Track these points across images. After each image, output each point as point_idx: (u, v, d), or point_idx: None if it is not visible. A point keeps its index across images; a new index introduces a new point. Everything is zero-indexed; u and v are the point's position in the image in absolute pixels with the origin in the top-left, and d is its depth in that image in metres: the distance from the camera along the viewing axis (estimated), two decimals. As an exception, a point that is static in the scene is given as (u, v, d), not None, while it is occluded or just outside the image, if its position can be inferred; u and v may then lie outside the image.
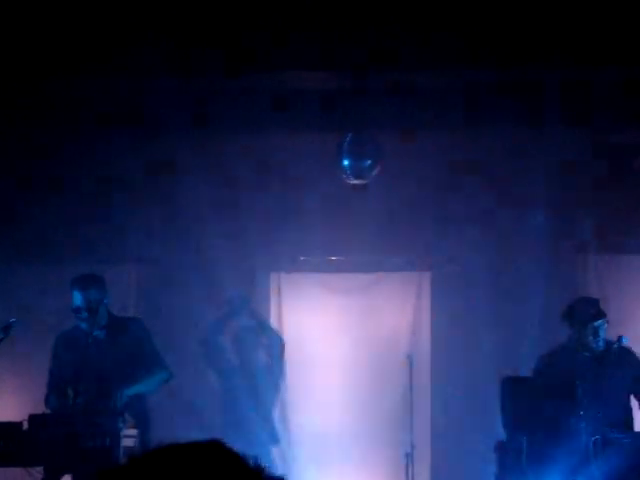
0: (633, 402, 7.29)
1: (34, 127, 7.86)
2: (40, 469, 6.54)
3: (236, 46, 6.99)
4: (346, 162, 8.49)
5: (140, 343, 7.03)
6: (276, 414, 8.92)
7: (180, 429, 7.67)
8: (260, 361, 9.02)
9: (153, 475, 1.53)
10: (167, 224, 8.82)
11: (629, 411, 7.26)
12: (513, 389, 7.23)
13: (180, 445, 1.59)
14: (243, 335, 9.05)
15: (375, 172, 8.41)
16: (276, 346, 8.96)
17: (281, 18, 6.90)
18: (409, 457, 8.09)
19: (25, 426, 6.47)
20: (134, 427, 6.76)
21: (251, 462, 1.58)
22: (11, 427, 6.50)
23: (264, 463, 1.59)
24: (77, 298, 6.86)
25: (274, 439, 8.82)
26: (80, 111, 7.58)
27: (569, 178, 8.65)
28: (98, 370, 6.86)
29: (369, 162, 8.53)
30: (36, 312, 8.45)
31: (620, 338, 7.00)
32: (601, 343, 7.11)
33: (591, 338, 7.09)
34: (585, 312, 7.13)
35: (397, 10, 7.31)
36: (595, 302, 7.29)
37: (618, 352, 7.05)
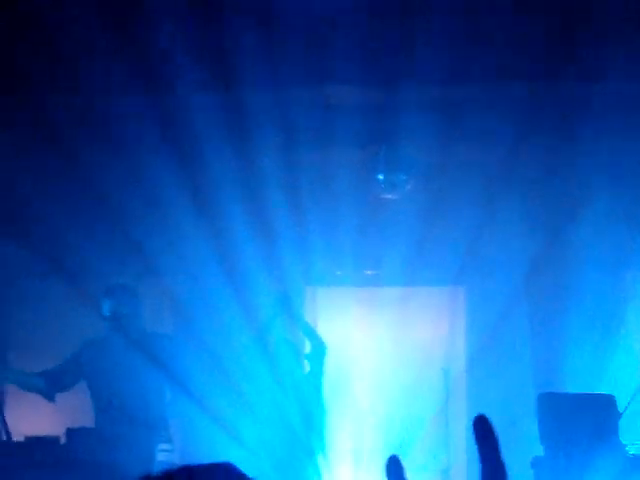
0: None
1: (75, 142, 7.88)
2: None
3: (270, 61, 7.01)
4: (381, 176, 8.49)
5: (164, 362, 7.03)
6: (314, 425, 8.90)
7: (215, 444, 7.67)
8: (300, 370, 8.99)
9: None
10: (203, 241, 8.84)
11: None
12: (550, 405, 7.18)
13: (193, 467, 1.58)
14: (283, 341, 9.00)
15: (409, 186, 8.42)
16: (317, 351, 8.91)
17: (318, 33, 6.92)
18: (445, 473, 8.06)
19: (62, 440, 6.49)
20: (169, 442, 6.78)
21: None
22: (48, 441, 6.50)
23: None
24: (105, 305, 6.88)
25: (312, 451, 8.80)
26: (127, 127, 7.59)
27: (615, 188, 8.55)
28: (130, 383, 6.87)
29: (403, 176, 8.54)
30: (70, 324, 8.49)
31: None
32: None
33: None
34: None
35: (434, 24, 7.33)
36: None
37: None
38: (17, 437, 6.58)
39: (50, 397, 6.93)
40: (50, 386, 6.89)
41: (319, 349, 8.68)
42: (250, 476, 1.58)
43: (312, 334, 8.77)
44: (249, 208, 8.67)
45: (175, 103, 7.38)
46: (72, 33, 6.68)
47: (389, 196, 8.55)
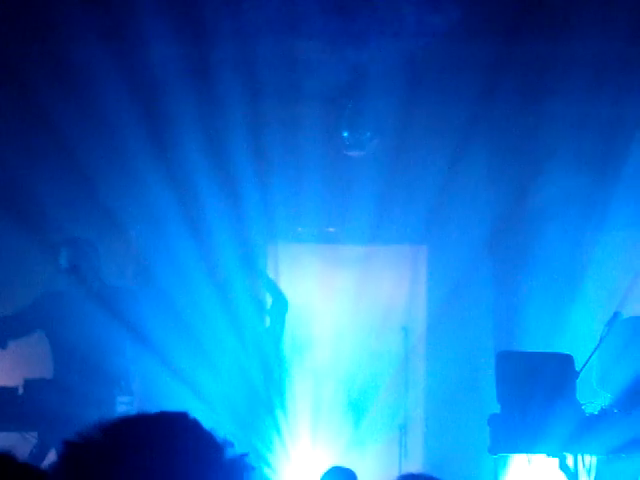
0: None
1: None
2: (35, 434, 6.56)
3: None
4: (345, 133, 8.46)
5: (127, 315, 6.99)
6: (274, 380, 8.92)
7: (173, 395, 7.67)
8: (261, 325, 8.98)
9: (112, 446, 1.51)
10: (165, 194, 8.78)
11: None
12: (508, 363, 7.23)
13: (147, 416, 1.58)
14: (241, 295, 8.98)
15: (373, 144, 8.40)
16: (278, 306, 8.91)
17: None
18: (403, 428, 8.12)
19: (20, 391, 6.48)
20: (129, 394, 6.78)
21: (218, 438, 1.56)
22: (6, 392, 6.50)
23: (230, 440, 1.57)
24: (63, 256, 6.84)
25: (273, 400, 8.82)
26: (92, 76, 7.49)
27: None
28: (90, 335, 6.84)
29: (368, 133, 8.51)
30: (31, 276, 8.43)
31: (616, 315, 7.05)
32: None
33: None
34: None
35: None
36: None
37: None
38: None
39: (2, 344, 6.87)
40: (3, 332, 6.83)
41: (280, 304, 8.68)
42: (206, 427, 1.57)
43: (274, 289, 8.76)
44: (212, 162, 8.62)
45: (141, 54, 7.30)
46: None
47: (353, 153, 8.53)
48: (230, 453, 1.54)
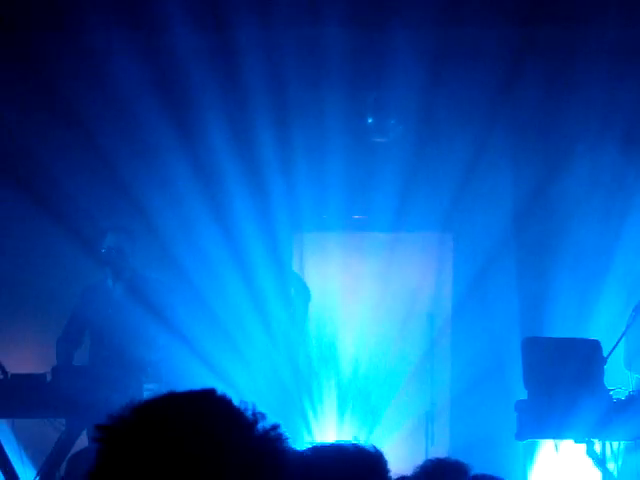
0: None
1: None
2: (63, 421, 6.61)
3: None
4: (370, 120, 8.45)
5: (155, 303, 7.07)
6: (301, 366, 8.94)
7: (200, 384, 7.69)
8: (284, 313, 9.00)
9: (144, 426, 1.52)
10: (190, 183, 8.80)
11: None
12: (535, 349, 7.21)
13: (176, 394, 1.59)
14: (268, 287, 9.00)
15: (398, 130, 8.39)
16: (302, 298, 8.92)
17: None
18: (429, 415, 8.12)
19: (48, 378, 6.53)
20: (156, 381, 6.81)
21: (248, 412, 1.57)
22: (34, 379, 6.55)
23: (261, 412, 1.57)
24: (109, 239, 6.94)
25: (301, 390, 8.85)
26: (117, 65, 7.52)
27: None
28: (121, 324, 6.91)
29: (392, 120, 8.50)
30: (54, 266, 8.48)
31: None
32: None
33: None
34: None
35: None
36: None
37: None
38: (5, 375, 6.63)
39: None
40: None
41: (303, 296, 8.72)
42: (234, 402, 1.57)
43: (297, 281, 8.80)
44: (237, 151, 8.63)
45: (164, 43, 7.32)
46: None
47: (378, 140, 8.52)
48: (261, 425, 1.55)
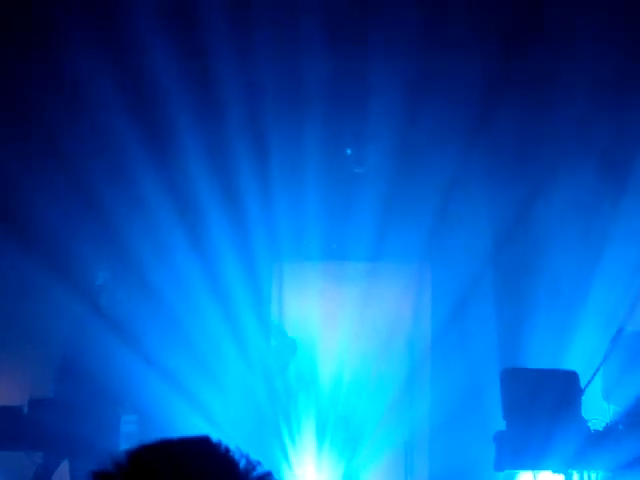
0: None
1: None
2: (40, 454, 6.56)
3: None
4: (348, 150, 8.47)
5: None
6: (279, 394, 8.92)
7: (179, 415, 7.68)
8: (263, 341, 8.99)
9: (139, 475, 1.53)
10: (169, 212, 8.78)
11: None
12: (513, 380, 7.23)
13: (170, 441, 1.59)
14: (246, 314, 8.97)
15: (376, 161, 8.41)
16: (285, 350, 8.95)
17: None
18: (408, 445, 8.10)
19: (25, 410, 6.48)
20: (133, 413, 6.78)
21: (242, 459, 1.58)
22: (10, 411, 6.51)
23: (255, 460, 1.58)
24: (98, 276, 6.96)
25: (279, 418, 8.83)
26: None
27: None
28: (97, 355, 6.88)
29: (371, 151, 8.53)
30: (34, 295, 8.45)
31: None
32: None
33: None
34: None
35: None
36: None
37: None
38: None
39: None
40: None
41: (287, 348, 8.75)
42: (229, 448, 1.58)
43: (280, 333, 8.83)
44: (217, 180, 8.64)
45: (145, 72, 7.34)
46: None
47: (357, 170, 8.55)
48: (255, 474, 1.56)
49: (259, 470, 1.56)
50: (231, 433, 7.88)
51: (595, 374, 6.94)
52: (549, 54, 8.21)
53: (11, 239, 8.27)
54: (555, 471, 6.87)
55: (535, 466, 6.98)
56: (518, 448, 6.80)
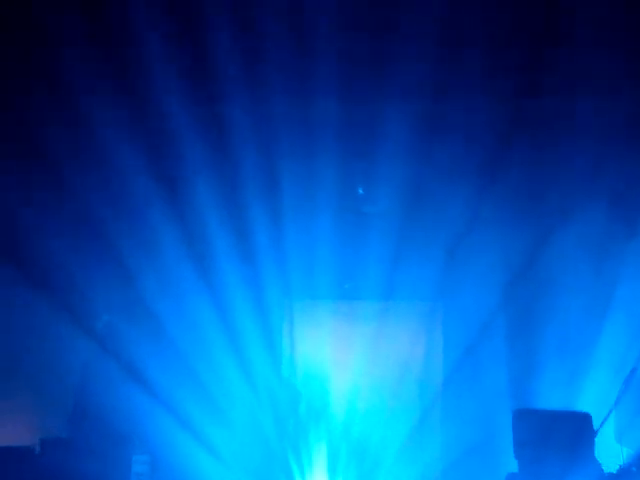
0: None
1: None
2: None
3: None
4: (360, 190, 8.49)
5: None
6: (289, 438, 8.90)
7: (190, 454, 7.66)
8: (278, 380, 8.98)
9: None
10: (180, 253, 8.80)
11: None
12: (525, 421, 7.19)
13: None
14: (257, 350, 8.95)
15: (388, 200, 8.43)
16: (291, 399, 8.95)
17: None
18: (420, 486, 8.06)
19: (37, 450, 6.48)
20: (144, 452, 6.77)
21: None
22: (22, 451, 6.50)
23: None
24: (101, 320, 6.97)
25: (288, 457, 8.80)
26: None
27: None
28: (106, 395, 6.89)
29: (383, 191, 8.55)
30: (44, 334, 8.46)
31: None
32: None
33: None
34: None
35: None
36: None
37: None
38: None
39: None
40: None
41: (294, 398, 8.75)
42: None
43: (289, 386, 8.83)
44: (229, 220, 8.66)
45: (157, 113, 7.39)
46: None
47: (368, 209, 8.57)
48: None
49: None
50: (240, 471, 7.85)
51: (608, 415, 6.91)
52: (563, 94, 8.25)
53: (20, 279, 8.30)
54: (568, 513, 6.82)
55: (548, 508, 6.93)
56: (530, 490, 6.76)
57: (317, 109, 8.20)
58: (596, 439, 6.84)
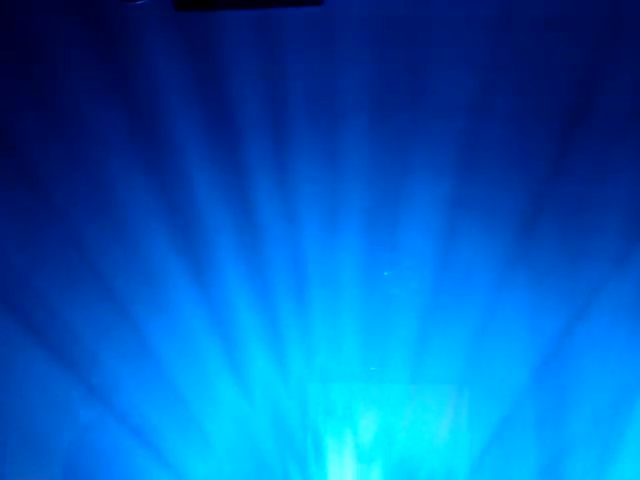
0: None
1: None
2: None
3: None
4: (386, 273, 8.48)
5: None
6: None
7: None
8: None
9: None
10: (203, 328, 8.79)
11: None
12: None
13: None
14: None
15: (415, 282, 8.41)
16: None
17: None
18: None
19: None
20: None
21: None
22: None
23: None
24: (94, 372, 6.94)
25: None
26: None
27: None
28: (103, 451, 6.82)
29: (409, 272, 8.54)
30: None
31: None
32: None
33: None
34: None
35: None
36: None
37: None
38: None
39: None
40: None
41: None
42: None
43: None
44: (252, 297, 8.67)
45: (177, 176, 7.49)
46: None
47: (394, 291, 8.54)
48: None
49: None
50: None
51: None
52: (591, 179, 8.28)
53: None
54: None
55: None
56: None
57: (343, 190, 8.28)
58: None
